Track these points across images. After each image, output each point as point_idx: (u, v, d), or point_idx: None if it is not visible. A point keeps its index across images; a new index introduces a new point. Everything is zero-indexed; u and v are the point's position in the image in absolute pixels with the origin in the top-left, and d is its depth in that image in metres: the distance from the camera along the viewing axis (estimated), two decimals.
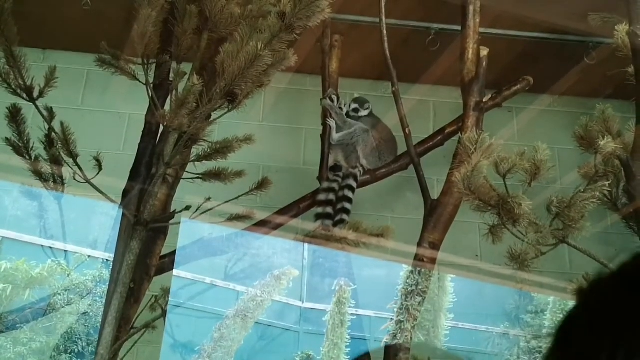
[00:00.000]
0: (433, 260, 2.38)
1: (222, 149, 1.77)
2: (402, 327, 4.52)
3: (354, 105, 2.73)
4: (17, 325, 3.61)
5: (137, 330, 1.77)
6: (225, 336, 3.79)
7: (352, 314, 4.37)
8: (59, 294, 3.78)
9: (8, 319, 3.49)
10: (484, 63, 2.32)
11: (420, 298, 4.73)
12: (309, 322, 4.30)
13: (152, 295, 1.86)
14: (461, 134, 2.25)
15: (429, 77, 3.25)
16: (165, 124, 1.72)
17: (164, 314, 1.80)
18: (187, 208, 1.86)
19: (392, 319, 4.63)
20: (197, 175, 1.91)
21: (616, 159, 1.84)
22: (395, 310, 4.55)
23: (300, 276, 4.43)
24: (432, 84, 3.35)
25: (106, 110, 3.22)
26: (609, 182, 1.78)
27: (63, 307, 3.75)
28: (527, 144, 3.02)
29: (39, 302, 3.76)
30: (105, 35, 1.98)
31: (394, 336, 3.58)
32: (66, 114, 2.89)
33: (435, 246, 2.32)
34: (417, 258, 2.37)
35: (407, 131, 2.36)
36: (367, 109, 2.73)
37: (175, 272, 4.03)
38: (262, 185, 2.03)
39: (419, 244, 2.36)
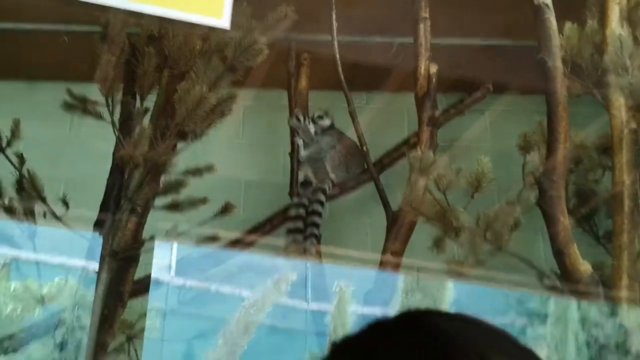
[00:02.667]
0: (397, 266, 2.52)
1: (175, 185, 1.92)
2: None
3: (317, 120, 2.87)
4: (30, 342, 3.77)
5: (107, 354, 1.94)
6: (229, 342, 3.93)
7: (356, 314, 4.49)
8: (67, 311, 3.94)
9: (21, 336, 3.66)
10: (434, 80, 2.45)
11: (421, 295, 4.88)
12: (314, 323, 4.43)
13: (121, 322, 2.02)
14: (416, 148, 2.39)
15: (401, 85, 3.37)
16: (125, 162, 1.88)
17: (129, 339, 1.96)
18: (152, 238, 2.02)
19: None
20: (162, 206, 2.07)
21: (531, 175, 1.96)
22: (398, 307, 4.68)
23: (305, 278, 4.56)
24: (408, 91, 3.48)
25: (95, 136, 3.39)
26: (534, 193, 1.90)
27: (72, 322, 3.90)
28: (497, 144, 3.13)
29: (49, 319, 3.93)
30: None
31: None
32: (55, 140, 3.06)
33: (398, 254, 2.46)
34: (381, 265, 2.51)
35: (364, 149, 2.50)
36: (329, 118, 2.87)
37: (179, 280, 4.17)
38: (225, 210, 2.18)
39: (383, 253, 2.50)
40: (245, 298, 4.18)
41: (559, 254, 1.89)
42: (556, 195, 1.89)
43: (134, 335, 2.02)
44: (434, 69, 2.47)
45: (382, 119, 3.29)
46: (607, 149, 2.06)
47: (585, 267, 1.87)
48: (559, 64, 1.98)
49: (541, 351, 4.45)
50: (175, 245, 3.34)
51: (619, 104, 1.94)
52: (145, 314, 2.12)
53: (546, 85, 2.00)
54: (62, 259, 3.80)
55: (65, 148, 3.15)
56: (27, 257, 3.97)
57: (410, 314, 0.61)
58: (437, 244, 1.98)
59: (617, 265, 1.90)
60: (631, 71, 1.77)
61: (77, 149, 3.31)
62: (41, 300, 3.87)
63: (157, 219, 2.37)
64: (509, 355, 0.54)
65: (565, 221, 1.90)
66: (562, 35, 2.06)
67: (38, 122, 2.90)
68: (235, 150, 3.29)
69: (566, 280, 1.91)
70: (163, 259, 2.44)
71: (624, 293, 1.88)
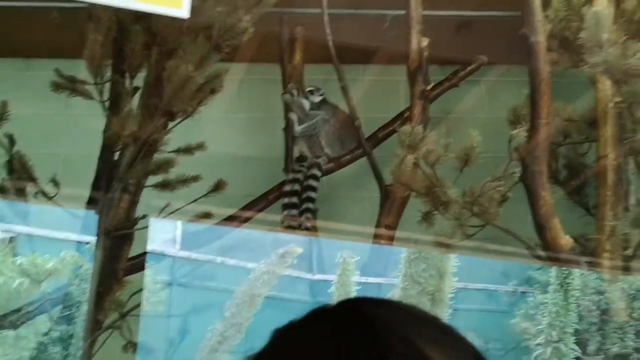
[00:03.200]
0: (391, 239, 2.55)
1: (165, 163, 1.95)
2: (407, 293, 4.71)
3: (308, 95, 2.87)
4: (37, 317, 3.85)
5: (103, 330, 1.99)
6: (235, 314, 3.99)
7: (359, 283, 4.54)
8: (74, 285, 4.01)
9: (27, 311, 3.73)
10: (425, 53, 2.44)
11: (425, 264, 4.91)
12: (320, 294, 4.49)
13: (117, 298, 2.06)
14: (408, 122, 2.39)
15: (397, 57, 3.35)
16: (113, 142, 1.90)
17: (122, 316, 2.01)
18: (144, 217, 2.05)
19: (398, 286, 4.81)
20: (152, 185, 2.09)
21: (515, 151, 1.97)
22: (400, 277, 4.74)
23: (310, 248, 4.60)
24: (404, 63, 3.46)
25: (91, 113, 3.40)
26: (519, 169, 1.90)
27: (78, 297, 3.97)
28: (493, 116, 3.11)
29: (56, 293, 4.00)
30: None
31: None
32: (51, 120, 3.08)
33: (391, 228, 2.48)
34: (375, 239, 2.53)
35: (357, 123, 2.50)
36: (321, 95, 2.87)
37: (184, 253, 4.22)
38: (217, 187, 2.21)
39: (377, 226, 2.53)
40: (251, 270, 4.23)
41: (541, 227, 1.90)
42: (538, 170, 1.90)
43: (127, 312, 2.06)
44: (425, 42, 2.46)
45: (380, 91, 3.28)
46: (594, 122, 2.06)
47: (565, 240, 1.89)
48: (541, 39, 1.97)
49: (543, 318, 4.49)
50: (179, 222, 3.37)
51: (604, 77, 1.93)
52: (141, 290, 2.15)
53: (529, 60, 1.98)
54: (65, 234, 3.86)
55: (62, 126, 3.17)
56: (31, 233, 4.03)
57: (347, 302, 0.63)
58: (426, 218, 2.00)
59: (600, 236, 1.91)
60: (606, 48, 1.76)
61: (73, 126, 3.33)
62: (46, 275, 3.94)
63: (152, 197, 2.40)
64: (435, 341, 0.56)
65: (546, 196, 1.91)
66: (551, 7, 2.05)
67: (34, 99, 2.92)
68: (232, 126, 3.30)
69: (548, 252, 1.92)
70: (158, 236, 2.48)
71: (606, 263, 1.90)
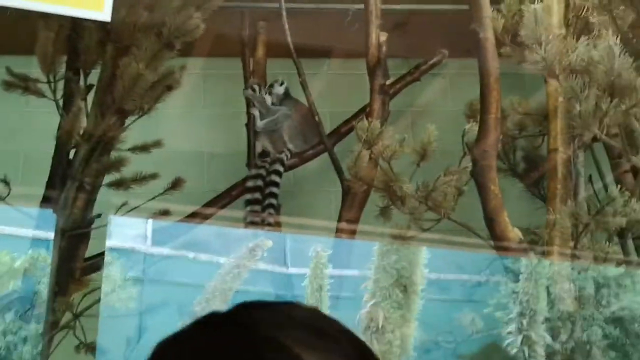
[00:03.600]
0: (353, 233, 2.56)
1: (116, 163, 1.93)
2: (380, 284, 4.74)
3: (270, 89, 2.87)
4: (5, 316, 3.79)
5: (58, 330, 1.97)
6: (205, 309, 3.98)
7: (332, 276, 4.54)
8: (43, 283, 3.96)
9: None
10: (384, 48, 2.44)
11: (396, 256, 4.94)
12: (294, 287, 4.48)
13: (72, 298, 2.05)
14: (366, 118, 2.40)
15: (361, 52, 3.36)
16: (64, 140, 1.88)
17: (75, 317, 1.99)
18: (98, 216, 2.03)
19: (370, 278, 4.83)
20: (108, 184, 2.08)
21: (466, 145, 1.98)
22: (373, 269, 4.76)
23: (283, 242, 4.59)
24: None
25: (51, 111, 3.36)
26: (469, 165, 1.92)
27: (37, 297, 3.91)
28: (454, 109, 3.12)
29: (24, 292, 3.95)
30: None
31: (373, 295, 3.78)
32: (11, 117, 3.03)
33: (353, 222, 2.49)
34: (337, 233, 2.54)
35: (316, 119, 2.50)
36: (281, 85, 2.86)
37: (154, 249, 4.18)
38: (175, 185, 2.19)
39: (339, 221, 2.54)
40: (220, 266, 4.21)
41: (490, 221, 1.92)
42: (487, 165, 1.92)
43: (80, 312, 2.04)
44: (383, 37, 2.46)
45: (345, 85, 3.28)
46: (546, 115, 2.08)
47: (514, 233, 1.92)
48: (490, 35, 1.98)
49: (515, 307, 4.55)
50: (141, 220, 3.35)
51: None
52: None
53: (478, 56, 2.00)
54: (34, 232, 3.80)
55: (21, 124, 3.13)
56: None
57: (233, 308, 0.64)
58: (383, 213, 2.01)
59: (549, 229, 1.94)
60: (544, 45, 1.77)
61: (33, 124, 3.29)
62: (14, 273, 3.89)
63: (112, 196, 2.38)
64: (311, 346, 0.57)
65: (495, 190, 1.93)
66: (504, 1, 2.06)
67: None
68: (193, 122, 3.28)
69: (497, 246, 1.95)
70: (118, 233, 2.46)
71: (555, 256, 1.93)
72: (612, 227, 1.85)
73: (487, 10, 2.00)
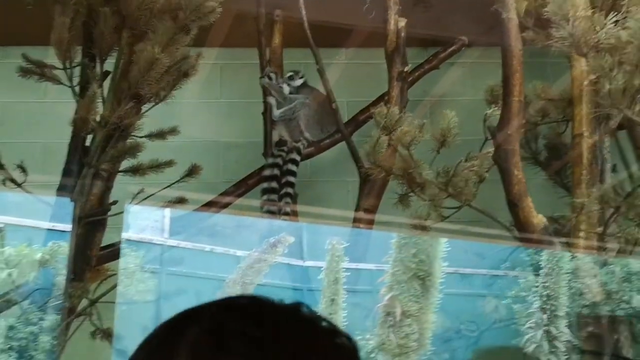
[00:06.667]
0: (371, 222, 2.52)
1: (131, 149, 1.91)
2: (398, 278, 4.70)
3: (288, 81, 2.84)
4: (27, 307, 3.82)
5: (74, 317, 1.96)
6: None
7: (349, 269, 4.51)
8: (62, 275, 3.98)
9: (17, 301, 3.70)
10: (403, 34, 2.40)
11: (415, 250, 4.90)
12: (310, 280, 4.46)
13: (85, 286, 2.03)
14: (385, 104, 2.36)
15: (377, 40, 3.31)
16: (79, 127, 1.86)
17: (92, 303, 1.98)
18: (114, 203, 2.01)
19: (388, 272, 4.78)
20: (120, 171, 2.06)
21: (488, 129, 1.94)
22: (391, 262, 4.72)
23: (300, 235, 4.57)
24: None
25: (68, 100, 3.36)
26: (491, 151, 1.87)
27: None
28: (474, 97, 3.06)
29: (45, 283, 3.97)
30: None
31: (391, 288, 3.75)
32: (28, 106, 3.03)
33: (370, 211, 2.45)
34: (355, 222, 2.51)
35: (334, 106, 2.46)
36: (301, 77, 2.83)
37: (171, 241, 4.18)
38: (192, 172, 2.17)
39: (356, 210, 2.50)
40: (240, 258, 4.20)
41: (513, 206, 1.87)
42: (510, 149, 1.87)
43: (96, 299, 2.03)
44: (402, 23, 2.42)
45: (362, 74, 3.25)
46: (571, 101, 2.03)
47: (538, 219, 1.87)
48: (513, 15, 1.93)
49: (534, 301, 4.50)
50: (157, 209, 3.34)
51: (580, 56, 1.89)
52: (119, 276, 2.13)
53: (501, 37, 1.95)
54: (52, 224, 3.81)
55: (42, 115, 3.13)
56: (18, 223, 3.99)
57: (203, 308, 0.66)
58: (402, 200, 1.97)
59: (576, 215, 1.89)
60: (572, 22, 1.72)
61: (53, 115, 3.29)
62: (35, 265, 3.91)
63: (128, 184, 2.36)
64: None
65: (519, 174, 1.88)
66: None
67: (13, 88, 2.88)
68: (210, 111, 3.26)
69: (520, 232, 1.90)
70: (135, 222, 2.44)
71: (582, 242, 1.87)
72: None
73: None
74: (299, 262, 4.66)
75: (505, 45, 1.95)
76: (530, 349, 4.26)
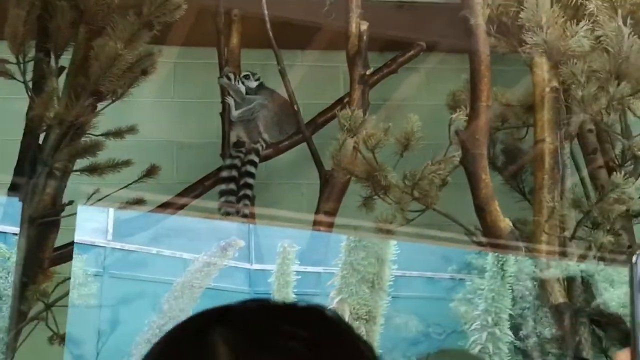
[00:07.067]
0: (331, 225, 2.52)
1: (89, 147, 1.84)
2: (347, 281, 4.70)
3: (244, 80, 2.81)
4: None
5: (27, 321, 1.87)
6: (173, 307, 3.87)
7: (298, 272, 4.48)
8: (1, 278, 3.81)
9: None
10: (365, 37, 2.41)
11: (364, 252, 4.91)
12: (259, 283, 4.41)
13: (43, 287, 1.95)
14: (347, 107, 2.36)
15: (336, 42, 3.32)
16: (35, 124, 1.79)
17: (48, 307, 1.90)
18: (70, 203, 1.94)
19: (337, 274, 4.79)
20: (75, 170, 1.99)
21: (456, 134, 1.97)
22: (340, 265, 4.73)
23: (248, 238, 4.51)
24: (343, 49, 3.43)
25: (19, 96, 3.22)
26: (458, 153, 1.90)
27: (6, 290, 3.78)
28: (432, 102, 3.09)
29: None
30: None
31: (340, 291, 3.74)
32: None
33: (331, 214, 2.45)
34: (315, 225, 2.50)
35: (295, 107, 2.45)
36: (257, 79, 2.82)
37: (117, 244, 4.06)
38: (150, 172, 2.12)
39: (316, 213, 2.49)
40: (188, 261, 4.12)
41: (480, 210, 1.91)
42: (478, 153, 1.90)
43: (52, 303, 1.95)
44: (364, 26, 2.43)
45: (319, 76, 3.24)
46: (531, 107, 2.08)
47: (505, 223, 1.91)
48: (480, 21, 1.97)
49: (480, 303, 4.59)
50: (110, 210, 3.24)
51: (541, 62, 1.95)
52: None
53: (469, 43, 1.98)
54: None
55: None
56: None
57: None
58: (366, 203, 1.97)
59: (537, 220, 1.93)
60: (546, 29, 1.77)
61: (4, 111, 3.15)
62: None
63: (82, 183, 2.28)
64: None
65: (486, 179, 1.91)
66: None
67: None
68: (166, 110, 3.19)
69: (487, 236, 1.94)
70: (88, 224, 2.36)
71: (543, 247, 1.92)
72: (614, 214, 1.85)
73: None
74: (247, 265, 4.61)
75: (473, 51, 1.99)
76: (475, 350, 4.34)
